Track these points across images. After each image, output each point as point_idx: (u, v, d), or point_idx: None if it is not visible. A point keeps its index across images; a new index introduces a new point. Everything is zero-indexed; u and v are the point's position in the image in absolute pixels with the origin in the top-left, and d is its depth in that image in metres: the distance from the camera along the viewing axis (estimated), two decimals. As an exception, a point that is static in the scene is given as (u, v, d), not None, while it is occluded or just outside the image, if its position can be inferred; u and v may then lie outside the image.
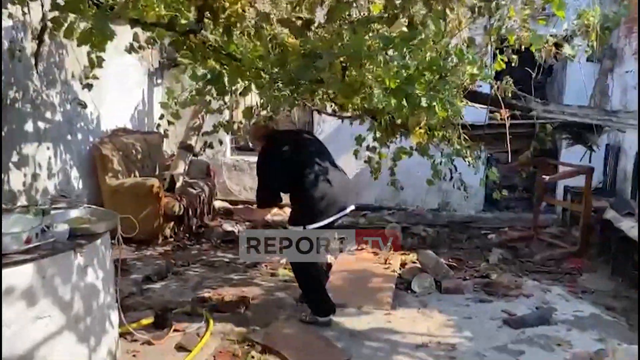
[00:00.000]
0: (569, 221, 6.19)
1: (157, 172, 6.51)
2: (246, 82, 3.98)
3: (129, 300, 4.04)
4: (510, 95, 4.71)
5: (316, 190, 3.38)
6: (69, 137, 5.48)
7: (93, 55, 4.32)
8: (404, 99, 3.42)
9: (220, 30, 2.96)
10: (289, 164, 3.47)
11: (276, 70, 2.91)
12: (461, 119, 4.08)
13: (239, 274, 4.67)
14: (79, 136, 5.68)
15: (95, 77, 4.57)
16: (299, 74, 2.68)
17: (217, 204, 7.14)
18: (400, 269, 4.67)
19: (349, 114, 5.06)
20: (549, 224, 6.35)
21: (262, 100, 4.09)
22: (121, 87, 6.49)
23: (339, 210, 3.47)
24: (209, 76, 3.51)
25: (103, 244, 2.86)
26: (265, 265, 4.87)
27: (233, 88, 4.32)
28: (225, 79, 3.96)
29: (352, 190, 3.61)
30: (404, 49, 3.32)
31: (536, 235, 5.65)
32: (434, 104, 3.52)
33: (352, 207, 3.59)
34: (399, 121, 4.63)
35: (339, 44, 2.69)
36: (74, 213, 2.98)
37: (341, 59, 2.88)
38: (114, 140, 6.00)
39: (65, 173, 5.41)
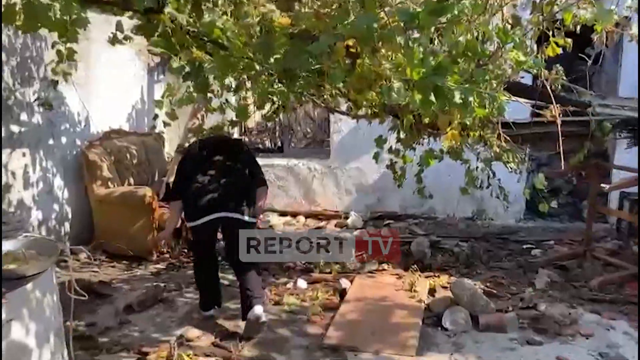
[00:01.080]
0: (627, 233, 5.37)
1: (156, 179, 5.92)
2: (239, 75, 3.35)
3: (104, 337, 3.44)
4: (559, 87, 3.97)
5: (192, 193, 3.64)
6: (50, 141, 4.91)
7: (61, 47, 3.71)
8: (432, 94, 2.71)
9: (189, 6, 2.30)
10: (189, 166, 3.77)
11: (260, 58, 2.23)
12: (504, 117, 3.34)
13: (236, 302, 4.01)
14: (63, 140, 5.10)
15: (66, 73, 3.96)
16: (287, 62, 2.00)
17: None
18: (428, 297, 3.95)
19: (363, 113, 4.35)
20: (603, 237, 5.54)
21: (254, 97, 3.42)
22: (116, 84, 5.91)
23: (212, 213, 3.60)
24: (187, 69, 2.85)
25: (39, 288, 2.22)
26: (270, 290, 4.20)
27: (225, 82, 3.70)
28: (210, 73, 3.38)
29: (239, 197, 3.65)
30: (432, 29, 2.62)
31: (589, 252, 4.86)
32: (471, 99, 2.79)
33: (234, 214, 3.61)
34: (426, 120, 3.96)
35: (344, 21, 2.00)
36: (7, 245, 2.35)
37: (347, 42, 2.20)
38: (105, 143, 5.42)
39: (46, 182, 4.85)
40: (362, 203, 6.79)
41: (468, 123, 3.81)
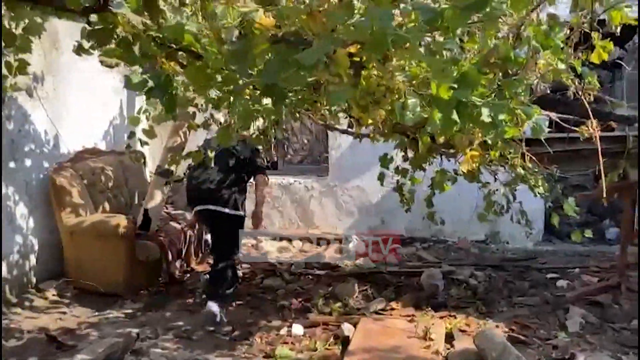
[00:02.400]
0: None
1: (135, 203, 5.39)
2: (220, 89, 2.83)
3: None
4: (592, 98, 3.46)
5: (189, 185, 4.40)
6: (11, 164, 4.37)
7: (10, 59, 3.19)
8: (454, 111, 2.20)
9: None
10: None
11: (233, 69, 1.70)
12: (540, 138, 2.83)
13: (221, 353, 3.47)
14: (28, 162, 4.56)
15: (16, 89, 3.43)
16: (268, 76, 1.47)
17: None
18: (445, 346, 3.41)
19: (367, 131, 3.83)
20: (634, 263, 4.99)
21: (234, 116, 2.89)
22: (91, 98, 5.39)
23: (199, 204, 4.23)
24: (150, 83, 2.32)
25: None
26: (260, 338, 3.65)
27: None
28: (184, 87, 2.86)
29: (213, 192, 4.13)
30: (461, 30, 2.12)
31: (624, 284, 4.32)
32: (502, 117, 2.29)
33: (215, 207, 4.09)
34: (440, 139, 3.45)
35: (346, 21, 1.47)
36: None
37: (350, 48, 1.68)
38: (76, 165, 4.88)
39: (7, 211, 4.30)
40: (365, 225, 6.26)
41: (490, 142, 3.31)
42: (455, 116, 2.17)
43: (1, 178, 4.14)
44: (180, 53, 2.24)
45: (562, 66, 2.59)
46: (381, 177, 4.40)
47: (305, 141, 8.30)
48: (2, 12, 2.77)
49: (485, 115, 2.17)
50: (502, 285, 4.56)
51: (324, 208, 6.31)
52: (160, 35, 2.16)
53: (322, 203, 6.30)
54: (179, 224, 5.15)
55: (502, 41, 2.44)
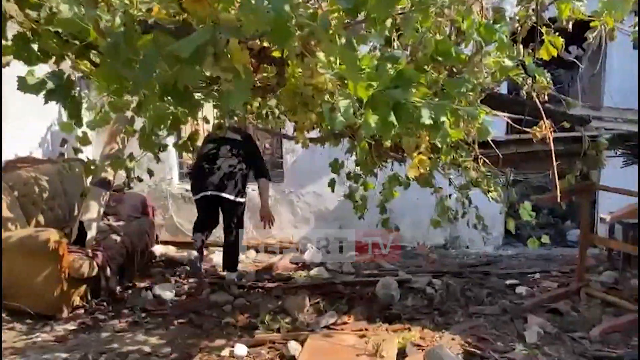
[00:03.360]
0: (622, 262, 4.75)
1: (75, 216, 5.05)
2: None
3: None
4: (546, 98, 3.33)
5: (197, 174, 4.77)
6: None
7: None
8: (392, 113, 2.01)
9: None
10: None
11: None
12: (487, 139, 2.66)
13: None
14: (-50, 173, 4.20)
15: None
16: (142, 69, 1.24)
17: (160, 249, 5.66)
18: (398, 364, 3.21)
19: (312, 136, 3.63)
20: (594, 265, 4.91)
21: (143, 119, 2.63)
22: (25, 103, 5.01)
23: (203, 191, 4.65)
24: (49, 85, 2.07)
25: None
26: (200, 360, 3.40)
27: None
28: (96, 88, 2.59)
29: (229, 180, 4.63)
30: (388, 22, 1.92)
31: (584, 289, 4.21)
32: (444, 119, 2.10)
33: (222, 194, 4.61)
34: (387, 143, 3.26)
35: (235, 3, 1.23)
36: None
37: (264, 41, 1.46)
38: (7, 175, 4.52)
39: None
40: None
41: (440, 145, 3.13)
42: (392, 118, 1.98)
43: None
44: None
45: (509, 63, 2.42)
46: (332, 184, 4.21)
47: (267, 145, 8.02)
48: None
49: (426, 117, 1.98)
50: (460, 293, 4.39)
51: (279, 216, 6.05)
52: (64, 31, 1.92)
53: (277, 210, 6.04)
54: (120, 236, 4.84)
55: (441, 35, 2.25)
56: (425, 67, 2.26)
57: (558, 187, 3.21)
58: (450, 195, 3.87)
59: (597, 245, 5.03)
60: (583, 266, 4.32)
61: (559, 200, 3.24)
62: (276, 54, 1.86)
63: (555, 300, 4.13)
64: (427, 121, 1.96)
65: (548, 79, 2.91)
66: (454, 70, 2.41)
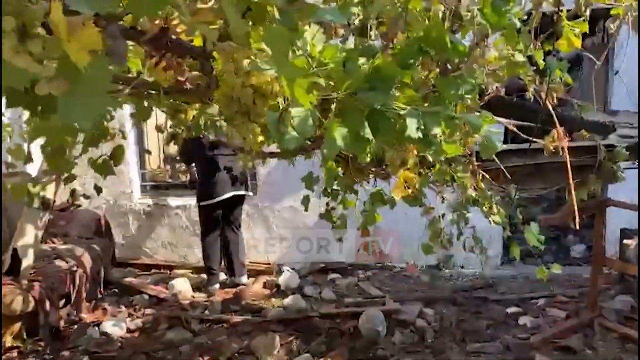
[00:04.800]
0: (636, 283, 4.25)
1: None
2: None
3: None
4: (556, 101, 2.83)
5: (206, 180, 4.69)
6: None
7: None
8: (366, 124, 1.51)
9: None
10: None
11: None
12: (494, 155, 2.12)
13: None
14: None
15: None
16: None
17: (117, 274, 5.08)
18: None
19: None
20: (605, 289, 4.40)
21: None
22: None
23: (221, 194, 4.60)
24: None
25: None
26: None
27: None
28: None
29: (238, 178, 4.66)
30: None
31: (597, 321, 3.70)
32: (437, 130, 1.59)
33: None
34: (366, 158, 2.73)
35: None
36: None
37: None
38: None
39: None
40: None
41: (430, 159, 2.63)
42: (367, 131, 1.46)
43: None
44: None
45: (519, 57, 1.90)
46: (305, 201, 3.66)
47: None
48: None
49: (413, 128, 1.47)
50: (455, 325, 3.86)
51: (252, 233, 5.51)
52: None
53: (250, 227, 5.49)
54: (67, 262, 4.26)
55: (434, 20, 1.73)
56: (412, 61, 1.74)
57: (575, 205, 2.71)
58: (443, 215, 3.35)
59: (611, 269, 4.51)
60: (595, 293, 3.81)
61: (576, 220, 2.74)
62: (197, 41, 1.31)
63: (565, 335, 3.61)
64: (415, 134, 1.44)
65: (564, 79, 2.39)
66: (449, 66, 1.89)
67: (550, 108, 2.42)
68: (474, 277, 5.06)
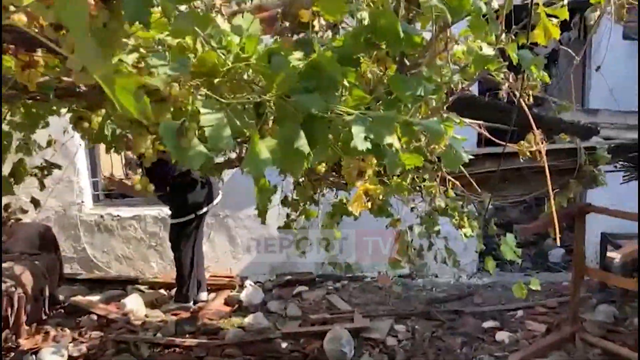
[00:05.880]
0: (617, 292, 4.05)
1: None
2: None
3: None
4: (531, 100, 2.61)
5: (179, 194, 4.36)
6: None
7: None
8: (301, 134, 1.19)
9: None
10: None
11: None
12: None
13: None
14: None
15: None
16: None
17: (66, 291, 4.70)
18: None
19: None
20: (586, 298, 4.19)
21: None
22: None
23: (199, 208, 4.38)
24: None
25: None
26: None
27: None
28: None
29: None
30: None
31: (579, 334, 3.47)
32: (391, 140, 1.28)
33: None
34: (321, 168, 2.50)
35: None
36: None
37: None
38: None
39: None
40: (266, 263, 5.18)
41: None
42: (302, 143, 1.19)
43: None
44: None
45: (489, 51, 1.62)
46: (262, 213, 3.35)
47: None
48: None
49: (360, 138, 1.19)
50: (429, 343, 3.60)
51: (214, 244, 5.18)
52: None
53: (211, 238, 5.16)
54: (4, 282, 3.88)
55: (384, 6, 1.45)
56: (360, 56, 1.45)
57: (554, 213, 2.47)
58: (411, 227, 3.08)
59: (592, 278, 4.29)
60: (576, 305, 3.58)
61: (555, 229, 2.50)
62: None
63: (545, 352, 3.37)
64: (362, 144, 1.17)
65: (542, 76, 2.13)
66: (406, 62, 1.61)
67: (526, 108, 2.17)
68: (449, 287, 4.81)
